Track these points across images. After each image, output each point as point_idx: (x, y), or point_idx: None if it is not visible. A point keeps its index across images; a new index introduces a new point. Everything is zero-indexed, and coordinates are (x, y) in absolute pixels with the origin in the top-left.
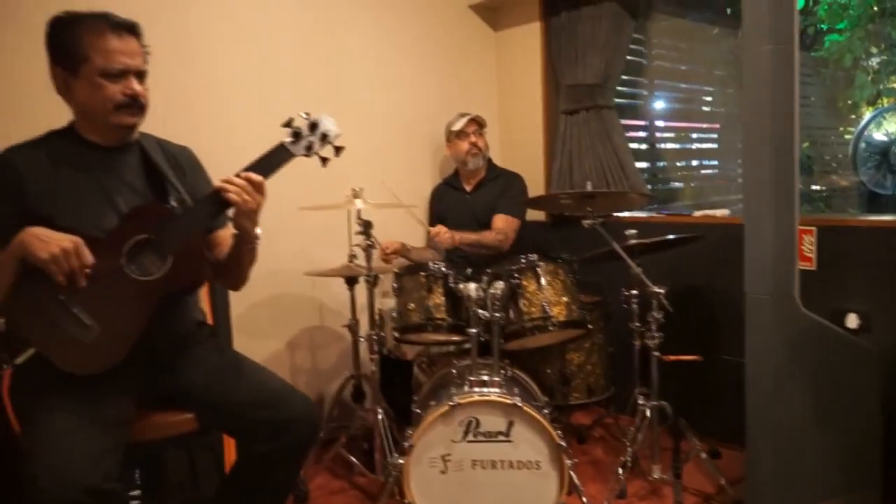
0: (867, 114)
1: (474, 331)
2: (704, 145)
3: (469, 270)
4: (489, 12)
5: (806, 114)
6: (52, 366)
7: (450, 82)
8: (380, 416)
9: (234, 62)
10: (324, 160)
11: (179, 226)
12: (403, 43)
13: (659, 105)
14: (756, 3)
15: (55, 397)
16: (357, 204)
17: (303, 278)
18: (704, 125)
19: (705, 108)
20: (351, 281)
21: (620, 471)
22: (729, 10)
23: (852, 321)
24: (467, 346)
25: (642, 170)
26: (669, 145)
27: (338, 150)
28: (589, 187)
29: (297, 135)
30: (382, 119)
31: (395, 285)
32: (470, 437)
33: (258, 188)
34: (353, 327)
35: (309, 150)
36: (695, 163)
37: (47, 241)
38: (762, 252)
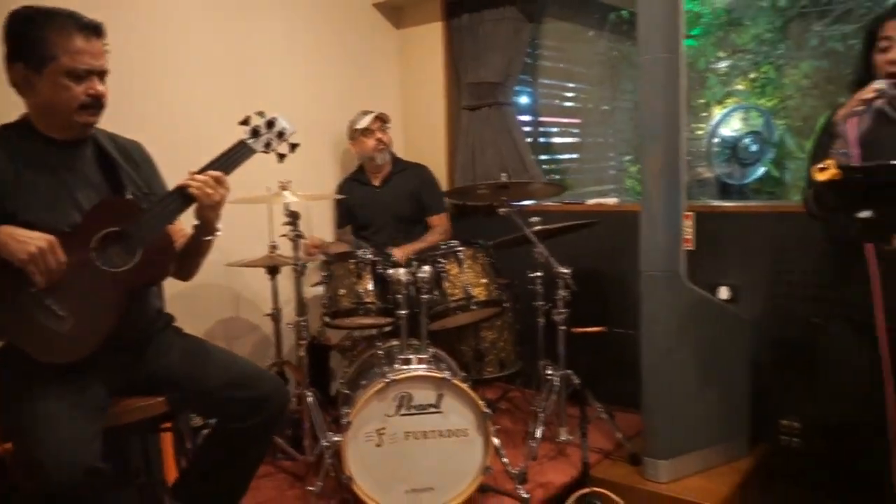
0: (717, 112)
1: (404, 312)
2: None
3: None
4: (392, 11)
5: None
6: (28, 357)
7: (354, 78)
8: (310, 400)
9: (138, 55)
10: (281, 156)
11: (150, 219)
12: (308, 39)
13: (549, 101)
14: (649, 16)
15: (39, 386)
16: (285, 196)
17: (217, 270)
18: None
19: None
20: (273, 271)
21: (538, 434)
22: (614, 16)
23: (724, 293)
24: (388, 329)
25: (538, 162)
26: (560, 140)
27: (293, 146)
28: (504, 178)
29: (255, 132)
30: (287, 114)
31: (324, 273)
32: (403, 411)
33: (221, 183)
34: (276, 316)
35: (268, 146)
36: (569, 156)
37: (25, 242)
38: (655, 235)
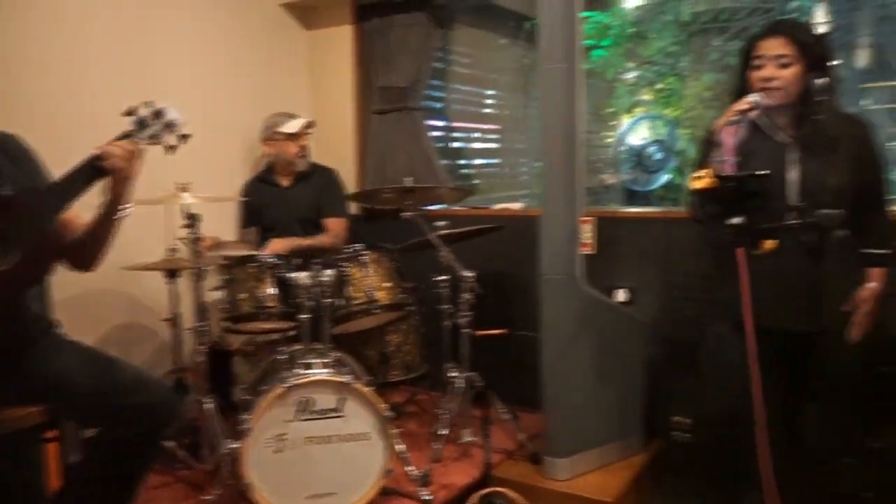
0: (625, 121)
1: (306, 317)
2: (495, 145)
3: (299, 260)
4: (301, 12)
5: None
6: None
7: (262, 78)
8: (208, 407)
9: (39, 52)
10: (169, 148)
11: (33, 215)
12: (214, 38)
13: (460, 107)
14: (550, 28)
15: None
16: (184, 197)
17: (111, 273)
18: (494, 126)
19: (495, 111)
20: (172, 274)
21: (442, 436)
22: (529, 25)
23: (622, 296)
24: (292, 333)
25: (449, 167)
26: (467, 145)
27: (183, 137)
28: (409, 182)
29: (141, 123)
30: (193, 113)
31: (224, 277)
32: (304, 416)
33: (134, 155)
34: (175, 321)
35: (154, 138)
36: (486, 161)
37: None
38: (554, 240)
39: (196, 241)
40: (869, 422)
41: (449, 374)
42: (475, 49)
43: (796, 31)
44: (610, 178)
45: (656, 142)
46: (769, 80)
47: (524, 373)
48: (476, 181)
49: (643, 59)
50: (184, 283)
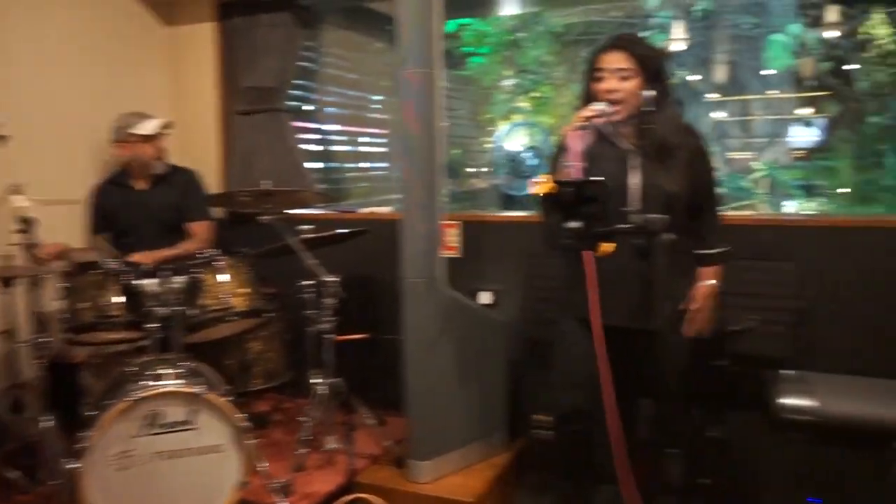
0: (502, 127)
1: (155, 326)
2: (373, 148)
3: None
4: (160, 7)
5: (455, 125)
6: None
7: (117, 76)
8: (47, 425)
9: None
10: None
11: None
12: (62, 30)
13: (332, 109)
14: (408, 33)
15: None
16: (17, 201)
17: None
18: (372, 130)
19: (375, 115)
20: (6, 283)
21: (305, 443)
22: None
23: (486, 298)
24: (145, 343)
25: (317, 170)
26: (343, 148)
27: (1, 138)
28: (267, 185)
29: None
30: (34, 110)
31: (64, 285)
32: (151, 431)
33: None
34: (11, 333)
35: None
36: (365, 164)
37: None
38: (415, 243)
39: (32, 247)
40: (707, 413)
41: (312, 381)
42: (351, 52)
43: (634, 46)
44: (481, 183)
45: (531, 148)
46: (611, 92)
47: (392, 377)
48: (351, 185)
49: (520, 68)
50: (19, 292)
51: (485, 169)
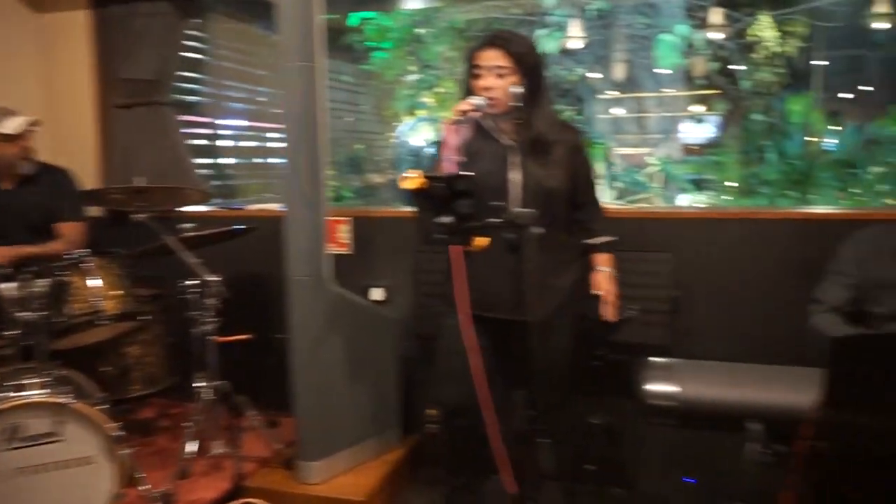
0: (406, 122)
1: (15, 333)
2: (267, 143)
3: (8, 269)
4: None
5: (359, 120)
6: None
7: None
8: None
9: None
10: None
11: None
12: None
13: (224, 103)
14: (287, 25)
15: None
16: None
17: None
18: (266, 124)
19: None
20: None
21: (190, 449)
22: None
23: (378, 294)
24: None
25: (207, 166)
26: (235, 143)
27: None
28: (140, 182)
29: None
30: None
31: None
32: (12, 445)
33: None
34: None
35: None
36: (259, 160)
37: None
38: (300, 240)
39: None
40: (590, 401)
41: (195, 385)
42: (244, 44)
43: (511, 44)
44: (377, 178)
45: (435, 143)
46: (487, 88)
47: (284, 377)
48: (244, 181)
49: (423, 63)
50: None
51: (387, 164)
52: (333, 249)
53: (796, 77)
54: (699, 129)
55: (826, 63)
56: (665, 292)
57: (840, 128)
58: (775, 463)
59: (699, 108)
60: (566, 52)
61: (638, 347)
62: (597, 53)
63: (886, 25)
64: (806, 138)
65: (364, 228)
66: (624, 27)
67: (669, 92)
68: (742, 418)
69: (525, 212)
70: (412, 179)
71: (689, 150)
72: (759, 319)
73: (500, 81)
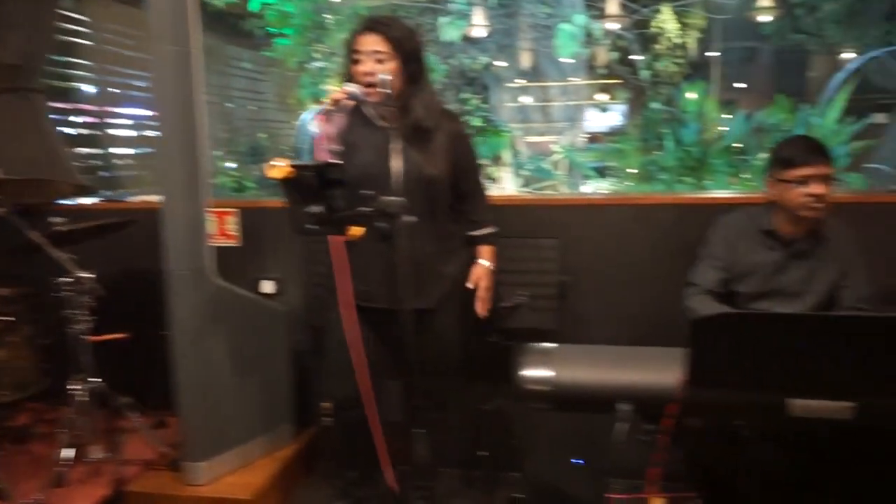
0: (310, 110)
1: None
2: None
3: None
4: None
5: (262, 108)
6: None
7: None
8: None
9: None
10: None
11: None
12: None
13: (114, 90)
14: (158, 6)
15: None
16: None
17: None
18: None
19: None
20: None
21: (65, 456)
22: None
23: (269, 287)
24: None
25: (92, 156)
26: (117, 132)
27: None
28: None
29: None
30: None
31: None
32: None
33: None
34: None
35: None
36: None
37: None
38: (178, 232)
39: None
40: (482, 388)
41: (69, 387)
42: (128, 27)
43: (390, 29)
44: None
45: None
46: (367, 74)
47: (166, 375)
48: (128, 172)
49: (327, 50)
50: None
51: (292, 153)
52: (220, 242)
53: (695, 67)
54: (602, 117)
55: (719, 54)
56: (553, 278)
57: (731, 116)
58: (648, 442)
59: (602, 97)
60: (470, 41)
61: (528, 333)
62: (500, 42)
63: (769, 18)
64: (701, 126)
65: (255, 219)
66: (527, 16)
67: (573, 81)
68: (613, 400)
69: (395, 200)
70: (278, 168)
71: (592, 138)
72: (646, 303)
73: (379, 67)
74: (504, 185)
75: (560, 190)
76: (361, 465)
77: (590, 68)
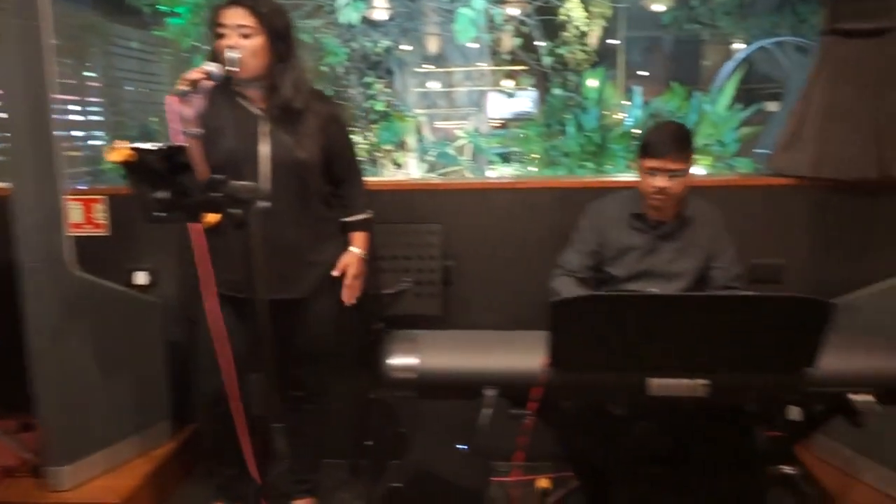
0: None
1: None
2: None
3: None
4: None
5: (152, 90)
6: None
7: None
8: None
9: None
10: None
11: None
12: None
13: None
14: None
15: None
16: None
17: None
18: None
19: None
20: None
21: None
22: None
23: (142, 278)
24: None
25: None
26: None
27: None
28: None
29: None
30: None
31: None
32: None
33: None
34: None
35: None
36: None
37: None
38: (32, 221)
39: None
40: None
41: None
42: None
43: (256, 3)
44: None
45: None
46: (231, 49)
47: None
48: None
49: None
50: None
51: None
52: (86, 231)
53: (601, 55)
54: (509, 103)
55: (619, 42)
56: (437, 263)
57: (630, 103)
58: (516, 426)
59: (508, 83)
60: (371, 23)
61: (413, 319)
62: (403, 25)
63: (663, 8)
64: (601, 112)
65: (128, 207)
66: (429, 0)
67: (478, 67)
68: (479, 385)
69: (247, 185)
70: (118, 151)
71: (502, 124)
72: (531, 286)
73: (244, 42)
74: (409, 170)
75: (465, 175)
76: (239, 462)
77: (494, 54)
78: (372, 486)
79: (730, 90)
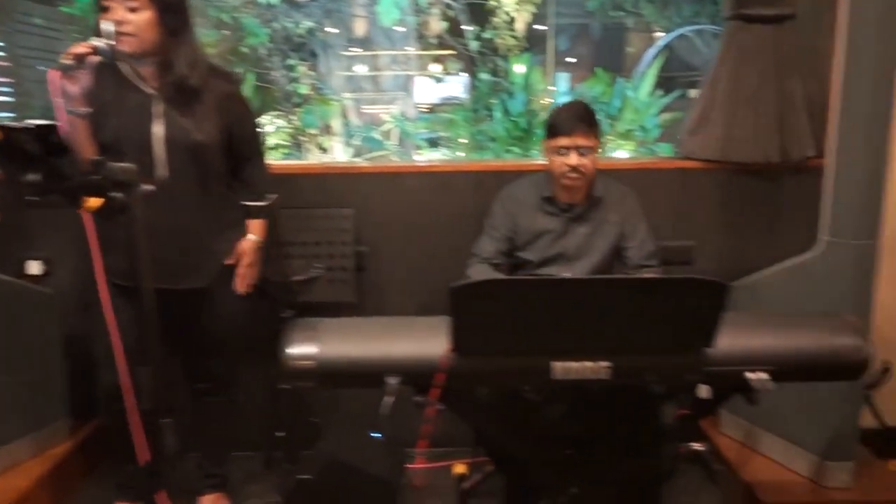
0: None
1: None
2: None
3: None
4: None
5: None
6: None
7: None
8: None
9: None
10: None
11: None
12: None
13: None
14: None
15: None
16: None
17: None
18: None
19: None
20: None
21: None
22: None
23: (35, 268)
24: None
25: None
26: None
27: None
28: None
29: None
30: None
31: None
32: None
33: None
34: None
35: None
36: None
37: None
38: None
39: None
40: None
41: None
42: None
43: None
44: None
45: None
46: (119, 24)
47: None
48: None
49: None
50: None
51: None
52: None
53: (531, 41)
54: (437, 88)
55: (547, 28)
56: (350, 249)
57: (555, 88)
58: (420, 414)
59: (436, 68)
60: (292, 4)
61: (326, 306)
62: (327, 7)
63: None
64: (527, 97)
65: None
66: None
67: (404, 50)
68: (381, 374)
69: (127, 167)
70: None
71: (422, 108)
72: (446, 271)
73: (131, 16)
74: (335, 154)
75: (392, 160)
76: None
77: (421, 38)
78: (284, 478)
79: (651, 77)
